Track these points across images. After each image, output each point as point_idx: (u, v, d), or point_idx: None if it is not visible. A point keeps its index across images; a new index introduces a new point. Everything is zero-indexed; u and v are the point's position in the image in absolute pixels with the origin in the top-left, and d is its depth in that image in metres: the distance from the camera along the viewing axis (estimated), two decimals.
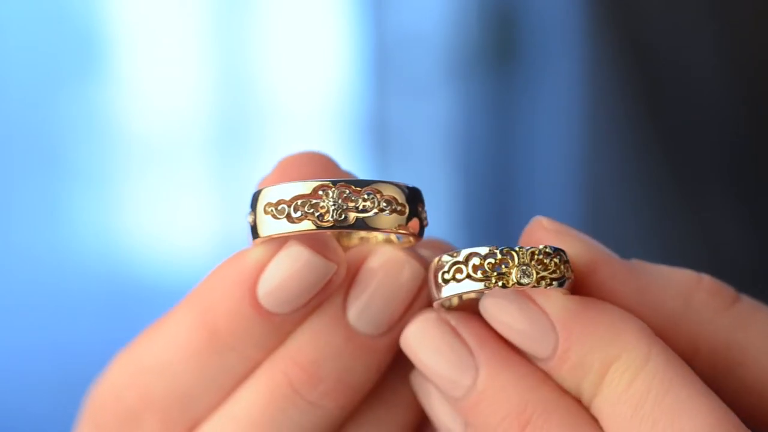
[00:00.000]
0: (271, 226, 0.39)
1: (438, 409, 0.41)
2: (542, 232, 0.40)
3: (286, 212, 0.39)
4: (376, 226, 0.39)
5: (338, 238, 0.42)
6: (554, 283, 0.38)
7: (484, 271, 0.38)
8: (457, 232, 1.33)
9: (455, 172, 1.36)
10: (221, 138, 1.38)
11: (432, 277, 0.40)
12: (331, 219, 0.39)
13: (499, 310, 0.39)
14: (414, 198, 0.40)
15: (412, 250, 0.42)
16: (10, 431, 1.30)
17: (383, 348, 0.41)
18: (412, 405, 0.43)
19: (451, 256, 0.39)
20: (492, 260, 0.38)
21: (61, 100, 1.34)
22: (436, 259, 0.40)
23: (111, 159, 1.36)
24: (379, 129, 1.37)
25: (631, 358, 0.37)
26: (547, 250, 0.38)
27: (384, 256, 0.41)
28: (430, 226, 0.41)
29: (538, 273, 0.38)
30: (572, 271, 0.39)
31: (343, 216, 0.39)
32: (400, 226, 0.39)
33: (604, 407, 0.38)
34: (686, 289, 0.41)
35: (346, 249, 0.42)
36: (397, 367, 0.43)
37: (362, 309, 0.41)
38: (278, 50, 1.37)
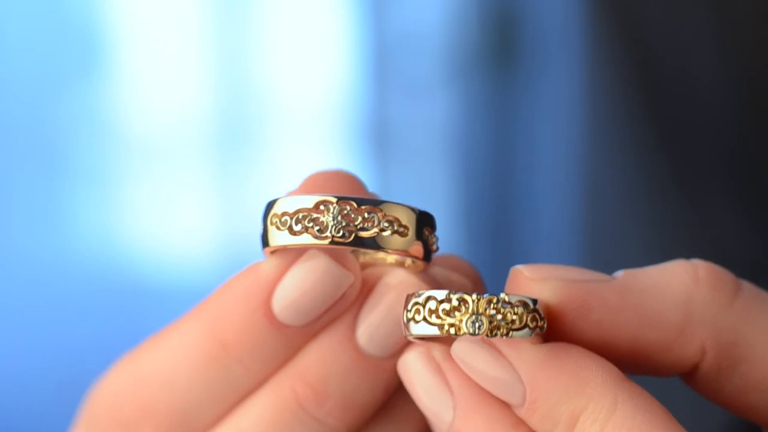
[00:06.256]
0: (274, 237, 0.40)
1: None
2: (523, 282, 0.39)
3: (288, 224, 0.39)
4: (376, 245, 0.39)
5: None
6: (513, 333, 0.37)
7: (439, 316, 0.37)
8: (457, 232, 1.33)
9: (455, 172, 1.36)
10: (221, 138, 1.38)
11: (402, 311, 0.39)
12: (329, 234, 0.39)
13: (467, 355, 0.39)
14: (422, 221, 0.40)
15: (424, 274, 0.42)
16: (10, 431, 1.30)
17: (391, 369, 0.41)
18: (420, 421, 0.42)
19: (417, 294, 0.38)
20: (446, 306, 0.37)
21: (61, 99, 1.35)
22: (407, 294, 0.39)
23: (111, 159, 1.36)
24: (379, 129, 1.37)
25: (598, 409, 0.37)
26: (507, 299, 0.37)
27: (395, 279, 0.41)
28: (437, 233, 0.41)
29: (491, 323, 0.37)
30: (542, 318, 0.37)
31: (341, 232, 0.39)
32: (399, 250, 0.39)
33: None
34: (685, 291, 0.39)
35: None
36: None
37: (371, 330, 0.41)
38: (278, 50, 1.37)
